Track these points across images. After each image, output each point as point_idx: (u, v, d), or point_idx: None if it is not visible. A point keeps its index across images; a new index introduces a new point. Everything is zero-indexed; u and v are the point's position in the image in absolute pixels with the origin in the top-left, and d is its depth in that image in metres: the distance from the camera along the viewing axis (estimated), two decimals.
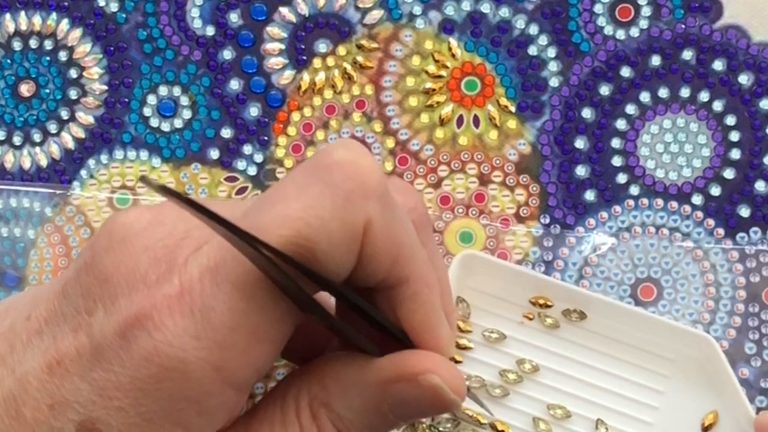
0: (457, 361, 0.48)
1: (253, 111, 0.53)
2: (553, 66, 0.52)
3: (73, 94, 0.53)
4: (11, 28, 0.53)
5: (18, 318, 0.40)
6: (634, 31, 0.52)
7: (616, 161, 0.52)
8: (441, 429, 0.48)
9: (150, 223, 0.39)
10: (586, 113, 0.52)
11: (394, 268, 0.37)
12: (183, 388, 0.36)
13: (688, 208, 0.51)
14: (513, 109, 0.52)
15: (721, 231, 0.51)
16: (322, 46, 0.53)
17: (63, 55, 0.53)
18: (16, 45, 0.53)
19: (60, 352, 0.38)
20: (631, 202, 0.51)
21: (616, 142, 0.52)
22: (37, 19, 0.53)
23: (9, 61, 0.53)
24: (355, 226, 0.35)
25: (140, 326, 0.36)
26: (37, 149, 0.53)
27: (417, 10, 0.52)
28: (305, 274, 0.35)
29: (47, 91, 0.53)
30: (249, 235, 0.34)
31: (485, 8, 0.52)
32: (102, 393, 0.37)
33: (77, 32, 0.53)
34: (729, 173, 0.51)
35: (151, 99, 0.53)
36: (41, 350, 0.38)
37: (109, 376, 0.37)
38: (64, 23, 0.53)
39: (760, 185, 0.51)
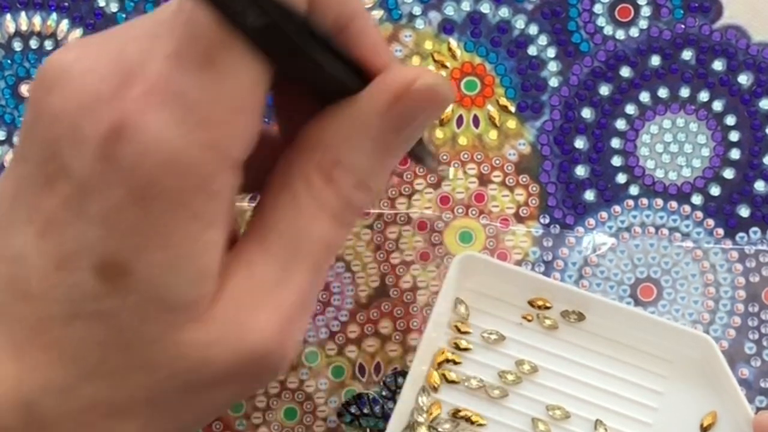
0: (456, 363, 0.49)
1: None
2: (552, 66, 0.52)
3: None
4: (11, 28, 0.53)
5: None
6: (634, 31, 0.52)
7: (616, 161, 0.52)
8: (440, 430, 0.48)
9: (80, 53, 0.37)
10: (586, 113, 0.52)
11: (341, 7, 0.38)
12: (184, 178, 0.35)
13: (687, 208, 0.51)
14: (513, 109, 0.52)
15: (720, 231, 0.51)
16: None
17: None
18: (17, 45, 0.53)
19: (46, 212, 0.36)
20: (631, 202, 0.51)
21: (615, 142, 0.52)
22: (37, 20, 0.53)
23: (9, 61, 0.53)
24: None
25: (119, 138, 0.35)
26: None
27: (417, 10, 0.52)
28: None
29: None
30: None
31: (485, 8, 0.52)
32: (106, 223, 0.35)
33: (77, 32, 0.53)
34: (729, 173, 0.51)
35: None
36: (25, 222, 0.37)
37: (106, 203, 0.35)
38: (64, 24, 0.53)
39: (759, 185, 0.51)
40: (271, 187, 0.39)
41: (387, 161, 0.40)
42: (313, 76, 0.38)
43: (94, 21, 0.53)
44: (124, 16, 0.53)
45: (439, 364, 0.48)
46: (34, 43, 0.53)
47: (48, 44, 0.53)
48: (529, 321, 0.49)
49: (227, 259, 0.38)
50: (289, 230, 0.38)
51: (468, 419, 0.48)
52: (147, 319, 0.36)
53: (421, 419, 0.48)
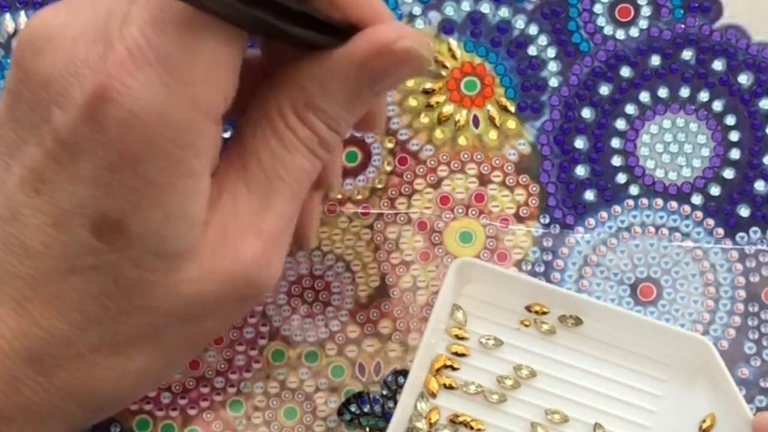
0: (454, 368, 0.49)
1: None
2: (552, 66, 0.52)
3: None
4: (11, 27, 0.53)
5: None
6: (634, 31, 0.52)
7: (616, 161, 0.51)
8: None
9: (68, 17, 0.39)
10: (586, 113, 0.52)
11: None
12: (171, 135, 0.37)
13: (687, 207, 0.51)
14: (513, 109, 0.52)
15: (720, 231, 0.51)
16: None
17: None
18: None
19: (37, 170, 0.38)
20: (631, 202, 0.51)
21: (615, 142, 0.52)
22: None
23: (9, 60, 0.53)
24: None
25: (104, 100, 0.36)
26: None
27: (417, 10, 0.52)
28: None
29: None
30: None
31: (485, 8, 0.52)
32: (98, 182, 0.37)
33: None
34: (729, 173, 0.51)
35: None
36: (17, 181, 0.38)
37: (97, 163, 0.37)
38: None
39: (759, 185, 0.51)
40: (251, 118, 0.41)
41: (357, 110, 0.42)
42: (288, 40, 0.40)
43: None
44: None
45: (438, 370, 0.49)
46: None
47: None
48: (527, 326, 0.49)
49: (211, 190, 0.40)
50: (270, 160, 0.40)
51: (467, 424, 0.48)
52: (145, 268, 0.38)
53: (420, 425, 0.48)
